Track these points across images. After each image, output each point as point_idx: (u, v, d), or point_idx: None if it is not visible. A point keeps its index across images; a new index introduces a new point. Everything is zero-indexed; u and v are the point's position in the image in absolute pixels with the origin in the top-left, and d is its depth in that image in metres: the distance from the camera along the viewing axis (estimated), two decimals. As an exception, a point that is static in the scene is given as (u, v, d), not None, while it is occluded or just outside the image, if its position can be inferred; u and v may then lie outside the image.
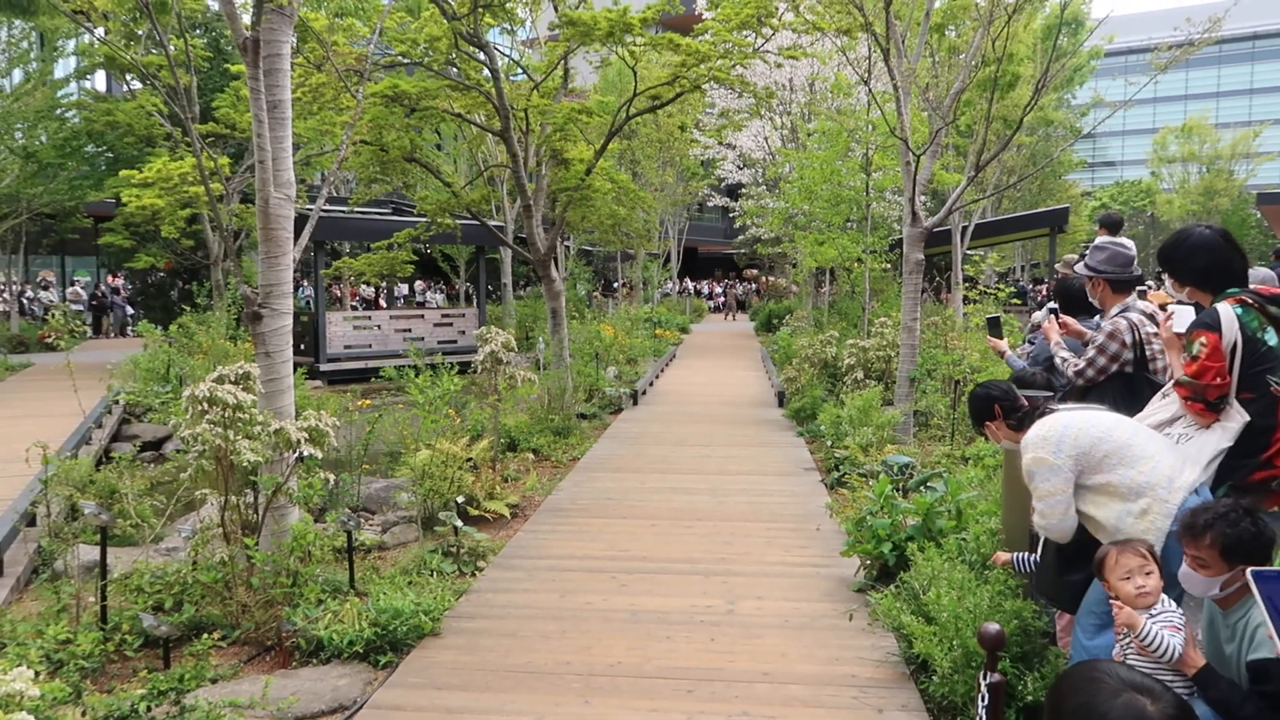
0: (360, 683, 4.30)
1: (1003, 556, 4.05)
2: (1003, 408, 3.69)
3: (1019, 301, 25.10)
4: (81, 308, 25.26)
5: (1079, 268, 4.59)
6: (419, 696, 4.18)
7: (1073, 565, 3.47)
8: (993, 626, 3.01)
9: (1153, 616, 2.68)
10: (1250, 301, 3.16)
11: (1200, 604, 2.86)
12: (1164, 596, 2.72)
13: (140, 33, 17.75)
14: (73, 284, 27.50)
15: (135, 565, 5.09)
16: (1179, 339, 3.35)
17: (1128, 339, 4.13)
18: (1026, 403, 3.71)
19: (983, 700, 2.99)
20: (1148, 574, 2.73)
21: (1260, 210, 25.44)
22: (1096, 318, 4.68)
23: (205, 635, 4.51)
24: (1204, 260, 3.32)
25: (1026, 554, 3.88)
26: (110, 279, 27.28)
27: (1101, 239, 4.71)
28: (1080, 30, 25.90)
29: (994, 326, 5.44)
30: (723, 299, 44.08)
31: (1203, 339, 3.15)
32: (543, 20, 15.63)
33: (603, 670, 4.41)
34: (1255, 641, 2.45)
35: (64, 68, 22.05)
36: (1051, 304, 5.01)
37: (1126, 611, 2.73)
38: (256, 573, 4.94)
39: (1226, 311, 3.16)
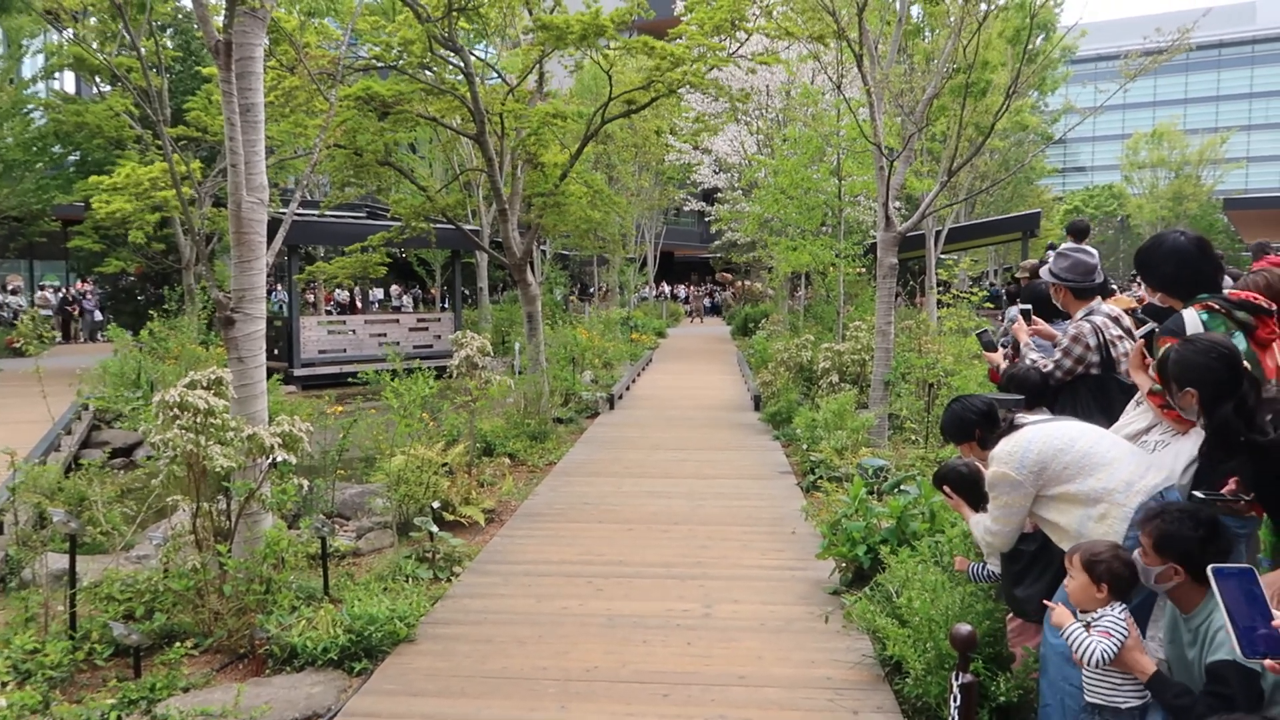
0: (334, 690, 4.27)
1: (961, 562, 4.10)
2: (982, 431, 3.71)
3: (992, 305, 25.30)
4: (50, 313, 24.90)
5: (1043, 272, 4.66)
6: (394, 703, 4.16)
7: (1021, 582, 3.54)
8: (964, 628, 3.04)
9: (1096, 619, 2.72)
10: (1217, 307, 3.19)
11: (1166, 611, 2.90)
12: (1115, 604, 2.74)
13: (109, 34, 17.54)
14: (41, 288, 27.10)
15: (105, 573, 5.03)
16: (1143, 357, 3.39)
17: (1092, 341, 4.21)
18: (1004, 421, 3.73)
19: (955, 701, 3.02)
20: (1071, 578, 2.82)
21: (1227, 215, 25.85)
22: (1066, 323, 4.74)
23: (177, 643, 4.46)
24: (1175, 266, 3.35)
25: (981, 564, 3.94)
26: (79, 284, 26.92)
27: (1066, 245, 4.77)
28: (1050, 34, 26.18)
29: (985, 341, 5.43)
30: (695, 303, 44.21)
31: (1168, 346, 3.18)
32: (521, 25, 15.61)
33: (579, 675, 4.41)
34: (1215, 644, 2.49)
35: (31, 67, 21.76)
36: (1024, 305, 5.05)
37: (1057, 612, 2.82)
38: (229, 580, 4.89)
39: (1191, 317, 3.19)
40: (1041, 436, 3.31)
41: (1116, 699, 2.72)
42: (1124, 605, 2.73)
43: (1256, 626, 1.96)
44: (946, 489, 3.87)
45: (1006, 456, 3.32)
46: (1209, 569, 2.27)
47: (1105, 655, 2.62)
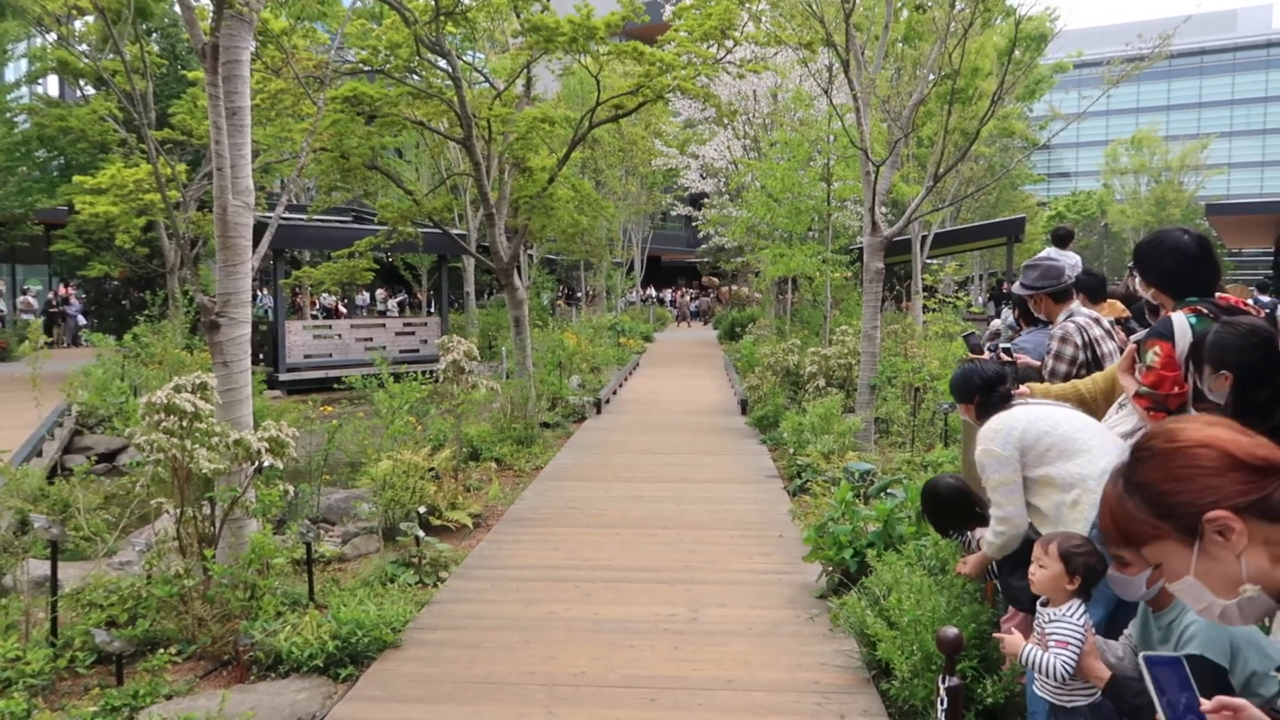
0: (320, 696, 4.25)
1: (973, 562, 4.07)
2: (981, 397, 3.76)
3: (978, 311, 25.46)
4: (32, 317, 24.69)
5: (1016, 288, 4.70)
6: (380, 709, 4.13)
7: (1015, 571, 3.55)
8: (951, 630, 3.05)
9: (1051, 621, 2.68)
10: (1206, 311, 3.19)
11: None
12: (1073, 604, 2.70)
13: (97, 36, 17.46)
14: (23, 293, 26.86)
15: (88, 579, 4.99)
16: (1133, 361, 3.40)
17: (1078, 340, 4.26)
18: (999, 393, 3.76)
19: (941, 703, 3.03)
20: (1040, 566, 2.81)
21: (1209, 221, 26.09)
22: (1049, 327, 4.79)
23: (160, 650, 4.42)
24: (1173, 264, 3.34)
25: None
26: (62, 288, 26.71)
27: (1049, 250, 4.81)
28: (1043, 45, 26.32)
29: (973, 344, 5.45)
30: (684, 308, 44.41)
31: (1156, 348, 3.19)
32: (510, 29, 15.61)
33: (566, 680, 4.40)
34: (1184, 639, 2.47)
35: (14, 71, 21.65)
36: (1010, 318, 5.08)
37: (1008, 640, 2.81)
38: (213, 586, 4.86)
39: (1180, 320, 3.20)
40: (1027, 416, 3.40)
41: (1067, 699, 2.72)
42: (1082, 605, 2.71)
43: (1186, 717, 1.93)
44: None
45: (992, 434, 3.42)
46: (1140, 656, 2.24)
47: (1066, 668, 2.59)
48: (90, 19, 16.21)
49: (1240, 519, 1.38)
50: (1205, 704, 1.70)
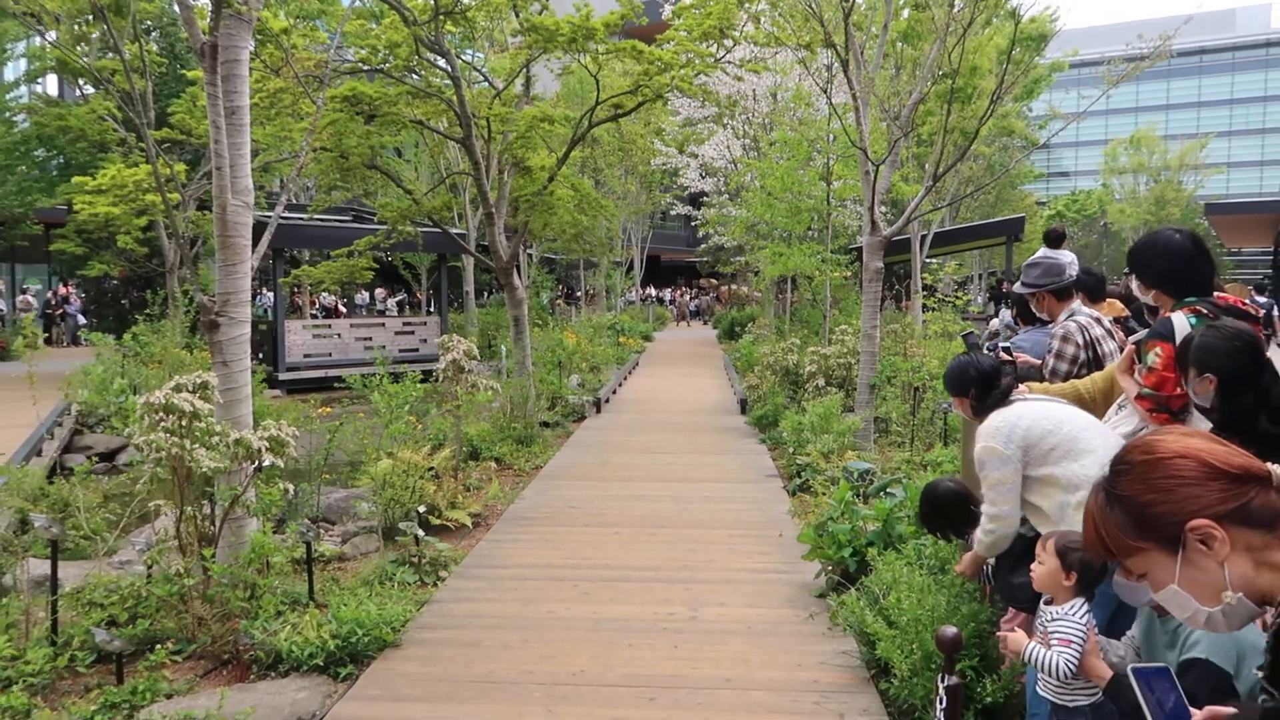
0: (320, 695, 4.25)
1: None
2: (977, 391, 3.69)
3: (977, 310, 25.46)
4: (28, 314, 24.67)
5: (1018, 287, 4.69)
6: (380, 709, 4.14)
7: (1016, 569, 3.54)
8: (950, 630, 3.05)
9: (1054, 620, 2.68)
10: (1205, 311, 3.18)
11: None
12: (1075, 603, 2.70)
13: (94, 35, 17.46)
14: (23, 292, 26.85)
15: (88, 578, 4.99)
16: (1132, 362, 3.40)
17: (1080, 340, 4.24)
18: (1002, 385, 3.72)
19: (941, 703, 3.03)
20: (1040, 563, 2.81)
21: (1208, 220, 26.09)
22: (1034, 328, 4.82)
23: (159, 648, 4.42)
24: (1168, 263, 3.34)
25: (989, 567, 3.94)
26: (62, 287, 26.71)
27: (1044, 251, 4.80)
28: (1043, 45, 26.27)
29: (971, 343, 5.45)
30: (684, 307, 44.48)
31: (1157, 349, 3.18)
32: (509, 28, 15.61)
33: (565, 679, 4.40)
34: (1190, 644, 2.47)
35: (13, 70, 21.66)
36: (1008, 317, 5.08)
37: (1011, 638, 2.80)
38: (213, 585, 4.87)
39: (1180, 321, 3.19)
40: (1031, 414, 3.35)
41: (1069, 698, 2.71)
42: (1085, 604, 2.71)
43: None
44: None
45: (994, 432, 3.36)
46: (1129, 669, 2.24)
47: (1069, 666, 2.58)
48: (89, 18, 16.22)
49: (1221, 527, 1.40)
50: (1196, 714, 1.70)
